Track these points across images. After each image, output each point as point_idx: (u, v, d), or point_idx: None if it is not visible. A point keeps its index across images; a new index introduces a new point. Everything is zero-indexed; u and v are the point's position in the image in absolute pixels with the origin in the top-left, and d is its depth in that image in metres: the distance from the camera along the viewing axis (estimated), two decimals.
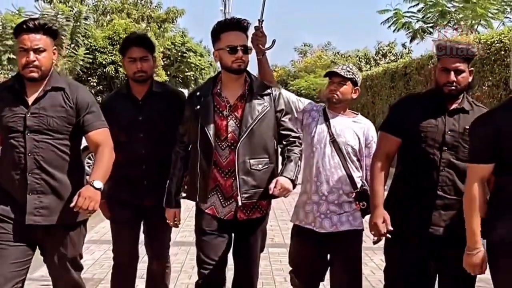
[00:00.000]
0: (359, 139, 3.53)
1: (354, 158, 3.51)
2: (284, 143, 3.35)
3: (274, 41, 3.50)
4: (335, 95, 3.51)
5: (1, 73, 19.12)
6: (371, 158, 3.38)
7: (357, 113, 3.66)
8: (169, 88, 4.01)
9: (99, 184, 2.99)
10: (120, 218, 3.71)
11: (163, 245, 3.86)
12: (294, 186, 3.26)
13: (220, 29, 3.27)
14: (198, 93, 3.33)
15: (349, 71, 3.50)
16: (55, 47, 3.12)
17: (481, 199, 2.79)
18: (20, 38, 3.03)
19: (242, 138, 3.19)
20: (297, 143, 3.36)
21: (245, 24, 3.27)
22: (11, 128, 3.01)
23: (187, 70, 34.15)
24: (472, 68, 3.16)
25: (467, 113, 3.13)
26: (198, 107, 3.27)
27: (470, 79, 3.13)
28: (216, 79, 3.37)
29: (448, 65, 3.07)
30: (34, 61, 2.99)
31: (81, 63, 21.64)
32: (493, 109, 3.09)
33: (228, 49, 3.21)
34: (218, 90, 3.31)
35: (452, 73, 3.06)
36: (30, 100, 3.03)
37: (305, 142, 3.56)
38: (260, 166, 3.24)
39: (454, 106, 3.13)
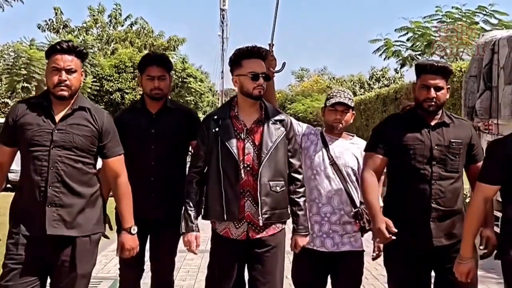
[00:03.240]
0: (357, 159, 3.58)
1: (354, 179, 3.55)
2: (292, 175, 3.40)
3: (284, 64, 3.65)
4: (340, 124, 3.59)
5: (14, 100, 20.09)
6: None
7: (352, 135, 3.74)
8: (182, 106, 4.17)
9: (135, 229, 3.27)
10: None
11: (169, 261, 3.81)
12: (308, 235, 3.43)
13: (242, 56, 3.35)
14: (215, 116, 3.38)
15: (350, 99, 3.60)
16: (82, 69, 3.23)
17: (481, 216, 2.95)
18: (53, 58, 3.12)
19: (264, 161, 3.26)
20: (302, 182, 3.43)
21: (264, 53, 3.42)
22: (36, 142, 3.06)
23: (187, 95, 34.84)
24: (449, 86, 3.25)
25: (448, 126, 3.21)
26: (217, 129, 3.32)
27: (447, 96, 3.21)
28: (232, 103, 3.45)
29: (427, 82, 3.13)
30: (66, 80, 3.08)
31: (88, 90, 22.46)
32: (507, 135, 3.13)
33: (251, 76, 3.30)
34: (236, 113, 3.38)
35: (432, 89, 3.13)
36: (57, 117, 3.11)
37: (304, 165, 3.59)
38: (278, 188, 3.30)
39: (435, 121, 3.20)
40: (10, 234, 3.12)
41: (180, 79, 33.98)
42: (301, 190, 3.42)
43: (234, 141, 3.29)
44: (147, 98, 3.77)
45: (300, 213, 3.39)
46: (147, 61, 3.78)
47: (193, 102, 35.41)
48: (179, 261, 6.44)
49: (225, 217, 3.28)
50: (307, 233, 3.41)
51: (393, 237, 3.11)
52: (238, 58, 3.35)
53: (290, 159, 3.39)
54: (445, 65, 3.18)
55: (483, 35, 7.76)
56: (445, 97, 3.18)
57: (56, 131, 3.07)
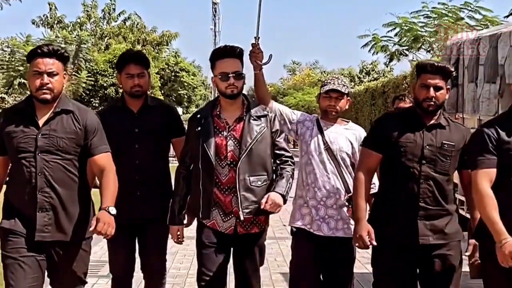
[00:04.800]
0: (352, 144, 3.62)
1: (348, 164, 3.61)
2: (278, 162, 3.49)
3: (270, 56, 3.65)
4: (334, 110, 3.65)
5: (12, 96, 20.49)
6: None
7: (348, 120, 3.78)
8: (162, 102, 4.18)
9: (113, 210, 3.07)
10: (115, 235, 3.49)
11: (159, 261, 3.87)
12: (285, 202, 3.38)
13: (215, 57, 3.43)
14: (198, 115, 3.48)
15: (344, 85, 3.63)
16: (65, 72, 3.23)
17: (492, 196, 2.90)
18: (34, 62, 3.12)
19: (242, 157, 3.34)
20: (289, 162, 3.50)
21: (238, 50, 3.42)
22: (22, 149, 3.08)
23: (180, 89, 35.10)
24: (449, 86, 3.29)
25: (444, 128, 3.21)
26: (199, 128, 3.41)
27: (447, 96, 3.25)
28: (215, 102, 3.52)
29: (427, 81, 3.15)
30: (48, 83, 3.08)
31: (83, 85, 22.84)
32: (491, 120, 3.24)
33: (220, 76, 3.38)
34: (218, 112, 3.46)
35: (432, 89, 3.14)
36: (41, 122, 3.11)
37: (301, 150, 3.69)
38: (259, 182, 3.38)
39: (431, 122, 3.21)
40: (6, 234, 3.13)
41: (173, 73, 34.32)
42: (288, 168, 3.48)
43: (212, 141, 3.38)
44: (127, 97, 3.78)
45: (280, 179, 3.43)
46: (125, 60, 3.78)
47: (186, 96, 35.81)
48: (176, 246, 6.96)
49: (200, 214, 3.42)
50: (282, 194, 3.37)
51: (371, 246, 3.20)
52: (212, 60, 3.46)
53: (276, 151, 3.49)
54: (445, 66, 3.23)
55: (451, 37, 8.35)
56: (444, 97, 3.21)
57: (40, 136, 3.09)
